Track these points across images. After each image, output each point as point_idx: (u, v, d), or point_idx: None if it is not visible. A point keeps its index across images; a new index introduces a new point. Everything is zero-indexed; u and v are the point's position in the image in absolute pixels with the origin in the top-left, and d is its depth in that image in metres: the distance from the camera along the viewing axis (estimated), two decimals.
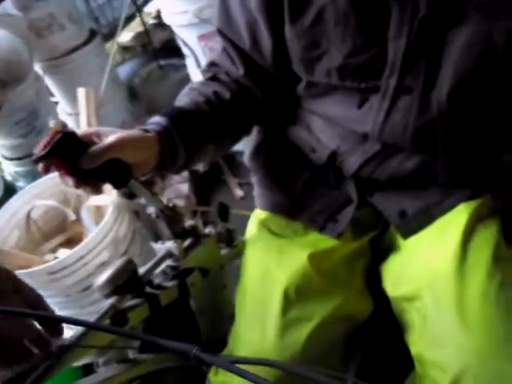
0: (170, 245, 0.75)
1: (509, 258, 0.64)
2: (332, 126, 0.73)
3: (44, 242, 1.19)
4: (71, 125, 1.95)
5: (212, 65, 0.76)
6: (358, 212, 0.75)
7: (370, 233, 0.79)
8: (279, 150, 0.81)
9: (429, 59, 0.58)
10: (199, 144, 0.69)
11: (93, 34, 1.87)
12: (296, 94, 0.75)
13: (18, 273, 0.99)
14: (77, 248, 1.00)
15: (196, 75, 1.77)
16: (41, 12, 1.64)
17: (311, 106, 0.74)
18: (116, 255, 1.07)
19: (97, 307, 1.08)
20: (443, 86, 0.59)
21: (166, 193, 1.72)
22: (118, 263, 0.64)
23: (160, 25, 2.82)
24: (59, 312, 1.11)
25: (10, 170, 1.81)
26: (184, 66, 2.18)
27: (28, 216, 1.17)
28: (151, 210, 0.74)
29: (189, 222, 0.80)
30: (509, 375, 0.54)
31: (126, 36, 2.82)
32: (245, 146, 0.88)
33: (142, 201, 0.73)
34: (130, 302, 0.64)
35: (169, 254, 0.75)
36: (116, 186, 0.66)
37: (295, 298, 0.66)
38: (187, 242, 0.77)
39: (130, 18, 2.80)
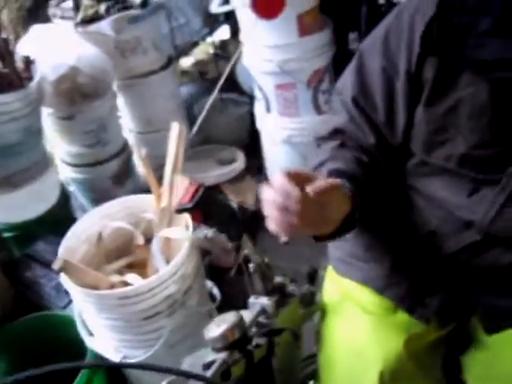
0: (264, 301, 0.78)
1: None
2: (434, 207, 0.74)
3: (108, 260, 1.22)
4: (131, 141, 2.01)
5: (337, 132, 0.77)
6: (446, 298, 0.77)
7: (454, 322, 0.81)
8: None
9: None
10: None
11: (170, 61, 1.95)
12: (400, 171, 0.78)
13: (89, 292, 1.02)
14: (152, 278, 1.03)
15: (261, 118, 1.83)
16: (129, 34, 1.72)
17: (416, 183, 0.76)
18: (181, 289, 1.09)
19: (150, 337, 1.11)
20: None
21: None
22: (230, 318, 0.67)
23: (221, 56, 2.92)
24: (110, 333, 1.13)
25: (66, 174, 1.86)
26: (245, 104, 2.26)
27: (99, 234, 1.21)
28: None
29: (278, 279, 0.83)
30: None
31: (186, 61, 2.92)
32: None
33: (246, 252, 0.77)
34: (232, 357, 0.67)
35: (263, 311, 0.78)
36: (231, 239, 0.70)
37: (389, 381, 0.68)
38: (275, 299, 0.80)
39: (193, 45, 2.91)
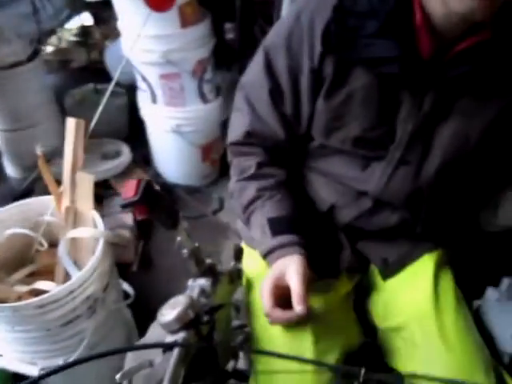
0: (202, 282, 0.84)
1: (462, 296, 0.87)
2: (332, 182, 0.88)
3: (7, 272, 1.12)
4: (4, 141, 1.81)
5: (249, 135, 0.85)
6: (350, 257, 0.92)
7: (357, 274, 0.96)
8: None
9: (425, 142, 0.79)
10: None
11: (36, 50, 1.79)
12: (301, 154, 0.90)
13: (1, 307, 0.95)
14: (70, 282, 0.98)
15: (146, 109, 1.82)
16: None
17: (316, 164, 0.89)
18: (100, 288, 1.07)
19: (70, 342, 1.07)
20: (432, 163, 0.80)
21: (107, 222, 1.70)
22: (183, 300, 0.71)
23: (82, 43, 2.76)
24: (23, 347, 1.06)
25: None
26: (121, 94, 2.19)
27: None
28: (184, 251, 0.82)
29: (208, 261, 0.89)
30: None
31: (46, 49, 2.70)
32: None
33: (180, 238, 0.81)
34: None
35: (202, 291, 0.83)
36: (168, 228, 0.74)
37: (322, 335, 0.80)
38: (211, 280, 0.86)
39: (50, 33, 2.69)
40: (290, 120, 0.84)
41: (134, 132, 2.10)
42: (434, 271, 0.87)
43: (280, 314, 0.74)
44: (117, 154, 1.95)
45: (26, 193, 1.80)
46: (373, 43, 0.72)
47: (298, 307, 0.72)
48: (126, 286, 1.34)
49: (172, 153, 1.87)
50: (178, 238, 0.82)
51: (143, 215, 0.67)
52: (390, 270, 0.91)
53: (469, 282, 0.91)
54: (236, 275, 0.95)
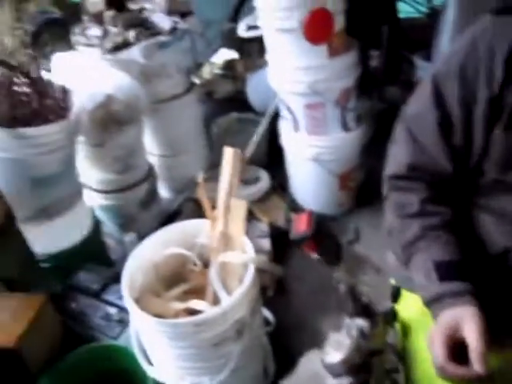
0: (360, 323, 0.80)
1: None
2: (506, 222, 0.78)
3: (165, 288, 1.22)
4: (154, 165, 2.01)
5: (413, 168, 0.81)
6: None
7: None
8: None
9: None
10: None
11: (192, 84, 1.97)
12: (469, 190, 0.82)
13: (163, 322, 1.02)
14: (225, 304, 1.03)
15: (287, 137, 1.86)
16: (157, 60, 1.74)
17: (487, 202, 0.80)
18: (249, 312, 1.10)
19: (217, 363, 1.10)
20: None
21: None
22: (347, 342, 0.68)
23: (226, 75, 2.96)
24: (176, 362, 1.12)
25: (94, 201, 1.84)
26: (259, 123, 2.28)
27: (155, 262, 1.20)
28: None
29: (364, 300, 0.85)
30: None
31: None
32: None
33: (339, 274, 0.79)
34: None
35: (361, 333, 0.80)
36: (330, 264, 0.72)
37: None
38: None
39: (199, 66, 2.93)
40: (458, 152, 0.78)
41: (273, 159, 2.16)
42: None
43: (455, 369, 0.67)
44: (256, 180, 2.02)
45: (175, 213, 1.95)
46: None
47: (478, 366, 0.65)
48: (267, 313, 1.36)
49: (310, 180, 1.88)
50: (337, 273, 0.80)
51: (312, 250, 0.67)
52: None
53: None
54: (392, 317, 0.90)
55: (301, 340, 1.43)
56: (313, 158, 1.77)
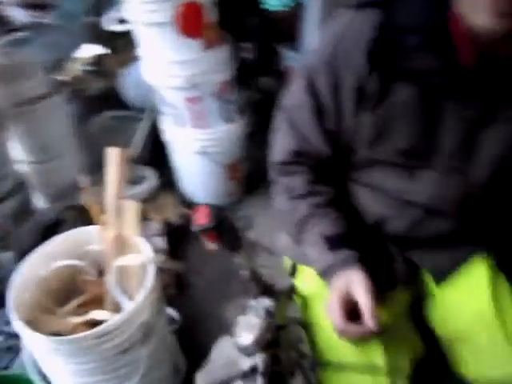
0: (266, 303, 0.84)
1: None
2: (379, 195, 0.89)
3: (59, 303, 1.13)
4: (25, 173, 1.83)
5: (297, 154, 0.88)
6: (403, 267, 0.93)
7: (412, 284, 0.96)
8: None
9: (472, 149, 0.80)
10: None
11: (59, 82, 1.82)
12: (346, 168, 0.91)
13: (61, 339, 0.95)
14: (128, 309, 0.99)
15: (171, 132, 1.84)
16: (17, 58, 1.58)
17: (361, 177, 0.90)
18: (154, 313, 1.08)
19: (126, 370, 1.06)
20: (482, 170, 0.81)
21: None
22: (258, 323, 0.71)
23: (97, 72, 2.80)
24: (81, 378, 1.06)
25: None
26: (138, 120, 2.21)
27: (43, 278, 1.11)
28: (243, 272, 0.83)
29: (265, 280, 0.90)
30: None
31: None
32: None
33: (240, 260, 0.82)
34: None
35: (267, 312, 0.84)
36: (232, 251, 0.75)
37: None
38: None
39: (64, 63, 2.73)
40: (333, 135, 0.85)
41: (156, 156, 2.12)
42: (489, 275, 0.88)
43: (354, 329, 0.74)
44: (142, 179, 1.96)
45: (57, 223, 1.81)
46: (416, 57, 0.74)
47: (370, 322, 0.73)
48: (171, 311, 1.34)
49: (198, 174, 1.89)
50: (238, 260, 0.83)
51: (214, 241, 0.69)
52: (443, 276, 0.91)
53: None
54: (292, 293, 0.96)
55: (209, 331, 1.44)
56: (199, 151, 1.78)
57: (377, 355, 0.80)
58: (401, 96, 0.78)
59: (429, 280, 0.94)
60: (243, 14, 1.77)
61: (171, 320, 1.30)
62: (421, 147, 0.81)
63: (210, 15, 1.55)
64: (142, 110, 2.16)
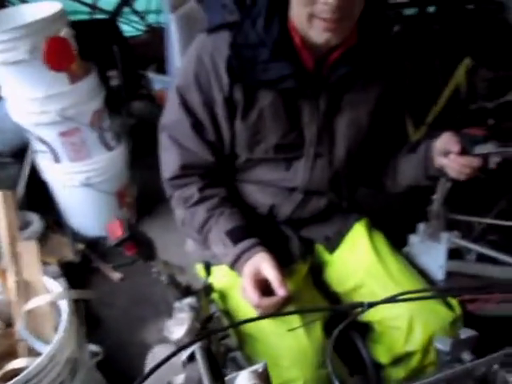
0: (189, 301, 0.91)
1: (393, 247, 1.06)
2: (265, 188, 1.02)
3: None
4: None
5: (184, 167, 0.95)
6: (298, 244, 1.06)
7: (309, 256, 1.10)
8: None
9: (329, 135, 0.97)
10: None
11: None
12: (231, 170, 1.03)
13: None
14: (47, 351, 0.96)
15: (50, 169, 1.78)
16: None
17: (246, 176, 1.02)
18: (76, 347, 1.06)
19: None
20: (340, 150, 0.98)
21: None
22: (186, 316, 0.77)
23: None
24: None
25: None
26: (12, 163, 2.09)
27: None
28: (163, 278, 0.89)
29: (184, 283, 0.97)
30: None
31: None
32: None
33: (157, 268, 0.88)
34: None
35: (192, 308, 0.90)
36: (147, 260, 0.82)
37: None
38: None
39: None
40: (215, 145, 0.95)
41: (40, 198, 2.01)
42: (368, 234, 1.06)
43: (268, 301, 0.83)
44: (27, 224, 1.86)
45: None
46: (270, 67, 0.87)
47: (281, 291, 0.82)
48: (91, 345, 1.32)
49: (87, 207, 1.85)
50: (155, 269, 0.88)
51: (132, 251, 0.73)
52: (333, 244, 1.07)
53: (393, 235, 1.10)
54: (210, 290, 1.03)
55: (131, 357, 1.44)
56: (83, 183, 1.75)
57: (292, 319, 0.90)
58: (264, 102, 0.91)
59: (322, 250, 1.09)
60: (105, 42, 1.79)
61: (93, 354, 1.28)
62: (289, 142, 0.95)
63: (75, 47, 1.56)
64: (15, 155, 2.05)
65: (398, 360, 0.95)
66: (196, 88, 0.91)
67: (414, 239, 1.12)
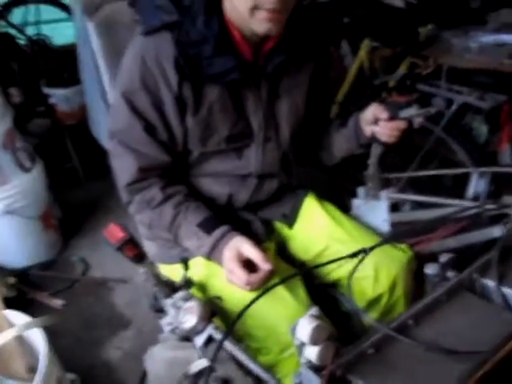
0: (180, 295, 0.92)
1: (342, 212, 1.18)
2: (220, 178, 1.07)
3: None
4: None
5: (141, 170, 0.96)
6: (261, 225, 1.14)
7: (272, 235, 1.17)
8: None
9: (274, 120, 1.06)
10: None
11: None
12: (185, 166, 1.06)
13: None
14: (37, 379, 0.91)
15: None
16: None
17: (201, 170, 1.06)
18: (57, 378, 1.01)
19: None
20: (285, 132, 1.08)
21: None
22: (195, 304, 0.79)
23: None
24: None
25: None
26: None
27: None
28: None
29: (168, 281, 0.99)
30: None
31: None
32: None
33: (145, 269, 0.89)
34: None
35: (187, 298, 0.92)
36: (137, 262, 0.84)
37: None
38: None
39: None
40: (168, 145, 0.98)
41: None
42: (320, 205, 1.16)
43: (255, 277, 0.87)
44: None
45: None
46: (213, 62, 0.92)
47: (266, 265, 0.88)
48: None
49: (10, 236, 1.71)
50: (143, 270, 0.89)
51: (133, 251, 0.74)
52: (290, 220, 1.16)
53: (339, 202, 1.22)
54: (190, 284, 1.06)
55: (100, 376, 1.40)
56: (4, 211, 1.61)
57: (279, 289, 0.95)
58: (212, 96, 0.95)
59: (282, 227, 1.17)
60: (4, 59, 1.65)
61: (71, 382, 1.21)
62: (239, 131, 1.01)
63: None
64: None
65: (369, 304, 1.06)
66: (143, 91, 0.92)
67: (356, 202, 1.26)
